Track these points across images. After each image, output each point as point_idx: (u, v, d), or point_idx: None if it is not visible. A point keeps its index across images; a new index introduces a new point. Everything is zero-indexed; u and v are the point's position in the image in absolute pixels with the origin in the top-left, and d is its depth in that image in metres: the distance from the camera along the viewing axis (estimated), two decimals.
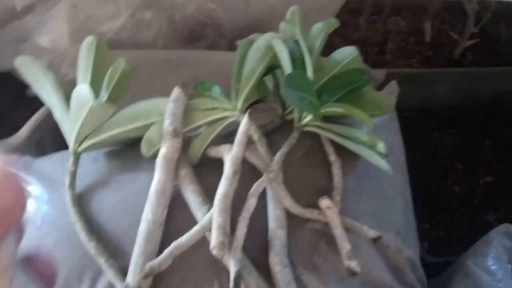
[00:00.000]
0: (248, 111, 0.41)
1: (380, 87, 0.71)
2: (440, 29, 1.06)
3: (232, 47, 0.93)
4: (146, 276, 0.38)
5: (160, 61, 0.71)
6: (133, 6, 0.77)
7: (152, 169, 0.47)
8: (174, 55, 0.73)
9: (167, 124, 0.44)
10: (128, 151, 0.51)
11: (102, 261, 0.43)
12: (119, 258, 0.44)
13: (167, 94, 0.51)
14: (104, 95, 0.45)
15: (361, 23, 1.01)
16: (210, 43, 0.89)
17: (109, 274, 0.42)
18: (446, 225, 0.80)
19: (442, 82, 0.93)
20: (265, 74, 0.50)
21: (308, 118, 0.47)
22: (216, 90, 0.48)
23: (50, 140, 0.70)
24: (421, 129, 0.94)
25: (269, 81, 0.53)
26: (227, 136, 0.52)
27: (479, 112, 0.95)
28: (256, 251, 0.43)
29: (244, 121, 0.41)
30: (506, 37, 1.09)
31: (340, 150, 0.49)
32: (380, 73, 0.75)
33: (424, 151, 0.91)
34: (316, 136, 0.50)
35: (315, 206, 0.46)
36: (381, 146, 0.45)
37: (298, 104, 0.41)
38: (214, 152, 0.47)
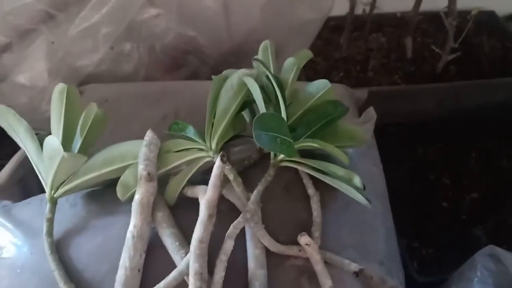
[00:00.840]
0: (221, 153, 0.41)
1: (362, 106, 0.71)
2: (422, 42, 1.06)
3: (215, 73, 0.93)
4: None
5: (140, 94, 0.71)
6: (111, 39, 0.76)
7: (129, 212, 0.46)
8: (154, 87, 0.73)
9: (141, 169, 0.44)
10: (106, 193, 0.50)
11: None
12: None
13: (148, 128, 0.50)
14: (77, 143, 0.45)
15: (342, 41, 1.02)
16: (193, 70, 0.89)
17: None
18: (435, 243, 0.80)
19: (426, 97, 0.93)
20: (241, 109, 0.50)
21: None
22: (191, 130, 0.48)
23: (33, 177, 0.70)
24: (406, 144, 0.94)
25: (246, 114, 0.54)
26: (206, 173, 0.51)
27: (464, 125, 0.95)
28: None
29: (217, 164, 0.41)
30: (488, 47, 1.09)
31: (320, 182, 0.49)
32: (362, 93, 0.76)
33: (411, 167, 0.91)
34: (295, 169, 0.50)
35: (296, 241, 0.46)
36: (357, 180, 0.45)
37: (270, 146, 0.41)
38: (190, 192, 0.47)
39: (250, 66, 0.53)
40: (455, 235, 0.81)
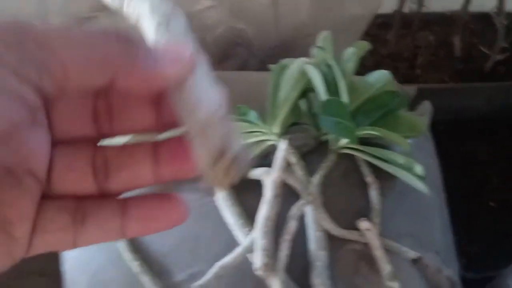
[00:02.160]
0: (286, 137, 0.43)
1: (412, 103, 0.71)
2: (470, 42, 1.05)
3: (263, 67, 0.94)
4: None
5: None
6: None
7: (191, 189, 0.48)
8: None
9: None
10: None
11: (146, 279, 0.44)
12: (163, 278, 0.45)
13: None
14: None
15: (390, 38, 1.01)
16: (241, 62, 0.91)
17: None
18: (484, 240, 0.79)
19: (475, 95, 0.93)
20: (299, 97, 0.51)
21: (345, 140, 0.48)
22: (253, 114, 0.50)
23: None
24: (455, 142, 0.93)
25: (302, 104, 0.55)
26: (262, 157, 0.53)
27: None
28: (297, 272, 0.44)
29: (283, 147, 0.43)
30: None
31: (377, 171, 0.50)
32: (411, 90, 0.76)
33: (459, 164, 0.90)
34: (352, 157, 0.51)
35: (354, 227, 0.47)
36: (418, 169, 0.45)
37: (334, 130, 0.42)
38: (251, 174, 0.49)
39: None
40: (504, 233, 0.80)
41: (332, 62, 0.47)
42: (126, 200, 0.19)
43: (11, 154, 0.17)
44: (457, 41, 1.00)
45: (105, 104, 0.20)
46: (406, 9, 1.04)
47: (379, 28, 1.10)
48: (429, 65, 0.98)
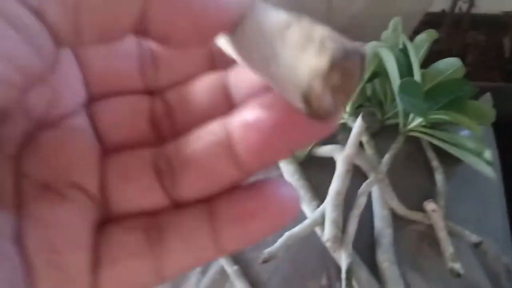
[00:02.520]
0: (361, 114, 0.44)
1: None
2: None
3: None
4: (264, 262, 0.41)
5: None
6: None
7: None
8: None
9: None
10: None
11: None
12: None
13: None
14: None
15: (440, 35, 1.02)
16: None
17: (220, 258, 0.45)
18: None
19: None
20: (368, 79, 0.52)
21: (414, 123, 0.48)
22: None
23: None
24: (504, 141, 0.92)
25: (367, 87, 0.56)
26: (328, 137, 0.54)
27: None
28: (363, 248, 0.45)
29: (358, 123, 0.44)
30: None
31: (442, 156, 0.51)
32: None
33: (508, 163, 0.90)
34: (417, 141, 0.52)
35: (418, 208, 0.48)
36: (487, 154, 0.46)
37: (411, 109, 0.43)
38: (320, 151, 0.50)
39: None
40: None
41: (408, 44, 0.48)
42: (208, 200, 0.14)
43: (45, 164, 0.14)
44: (507, 43, 1.00)
45: (163, 104, 0.16)
46: (456, 8, 1.04)
47: (425, 27, 1.10)
48: (478, 64, 0.98)
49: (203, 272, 0.46)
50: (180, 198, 0.14)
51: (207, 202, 0.14)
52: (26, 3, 0.11)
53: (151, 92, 0.16)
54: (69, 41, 0.12)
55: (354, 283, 0.42)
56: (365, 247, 0.45)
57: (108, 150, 0.15)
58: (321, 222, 0.44)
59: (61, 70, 0.15)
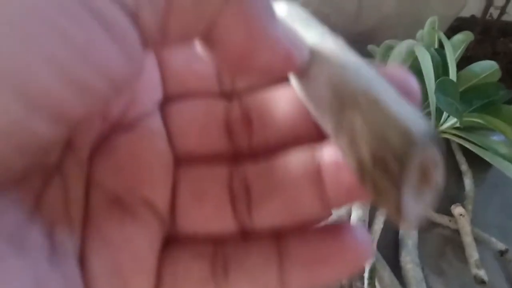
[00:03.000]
0: None
1: None
2: None
3: None
4: None
5: None
6: None
7: None
8: None
9: None
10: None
11: None
12: None
13: None
14: None
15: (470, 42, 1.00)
16: None
17: None
18: None
19: None
20: None
21: (446, 125, 0.47)
22: None
23: None
24: None
25: None
26: None
27: None
28: (387, 247, 0.44)
29: None
30: None
31: (471, 160, 0.49)
32: None
33: None
34: (446, 144, 0.51)
35: (444, 212, 0.47)
36: None
37: (447, 109, 0.42)
38: None
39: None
40: None
41: (446, 43, 0.47)
42: (281, 238, 0.13)
43: (117, 173, 0.13)
44: None
45: (240, 110, 0.15)
46: (487, 15, 1.03)
47: (454, 32, 1.09)
48: (507, 73, 0.96)
49: None
50: (253, 227, 0.13)
51: (278, 238, 0.13)
52: (123, 4, 0.10)
53: (228, 97, 0.15)
54: (155, 43, 0.11)
55: (376, 283, 0.41)
56: (389, 247, 0.45)
57: (180, 157, 0.14)
58: (347, 219, 0.43)
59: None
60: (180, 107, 0.15)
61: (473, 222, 0.47)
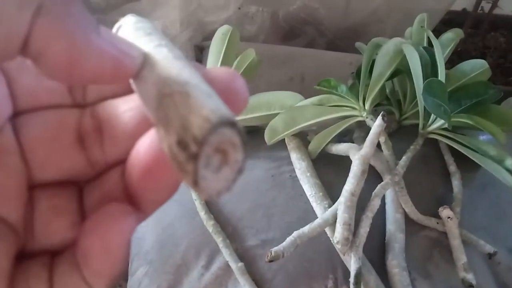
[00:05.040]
0: (382, 113, 0.42)
1: None
2: None
3: (330, 47, 0.93)
4: (271, 261, 0.39)
5: (267, 55, 0.73)
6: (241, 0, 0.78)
7: (268, 158, 0.48)
8: (280, 50, 0.75)
9: None
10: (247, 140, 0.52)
11: (219, 240, 0.44)
12: (235, 241, 0.45)
13: (272, 87, 0.52)
14: None
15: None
16: (309, 41, 0.90)
17: (225, 254, 0.44)
18: None
19: None
20: (391, 77, 0.50)
21: (435, 125, 0.47)
22: (343, 88, 0.49)
23: None
24: None
25: (387, 85, 0.54)
26: (343, 135, 0.52)
27: None
28: (373, 250, 0.44)
29: (378, 123, 0.42)
30: None
31: (458, 161, 0.49)
32: None
33: None
34: (434, 144, 0.50)
35: (431, 214, 0.46)
36: (509, 163, 0.44)
37: (435, 111, 0.41)
38: (336, 149, 0.48)
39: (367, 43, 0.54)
40: None
41: (434, 42, 0.46)
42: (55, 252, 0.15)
43: None
44: None
45: (92, 122, 0.15)
46: (479, 8, 1.02)
47: (444, 25, 1.08)
48: (497, 67, 0.96)
49: (206, 267, 0.45)
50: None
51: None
52: None
53: (81, 109, 0.16)
54: None
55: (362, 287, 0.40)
56: (375, 251, 0.44)
57: (34, 170, 0.15)
58: (332, 222, 0.42)
59: None
60: (31, 120, 0.15)
61: (461, 224, 0.46)
